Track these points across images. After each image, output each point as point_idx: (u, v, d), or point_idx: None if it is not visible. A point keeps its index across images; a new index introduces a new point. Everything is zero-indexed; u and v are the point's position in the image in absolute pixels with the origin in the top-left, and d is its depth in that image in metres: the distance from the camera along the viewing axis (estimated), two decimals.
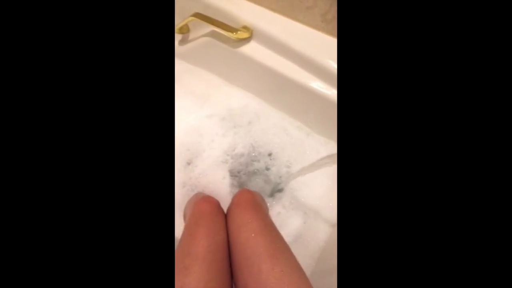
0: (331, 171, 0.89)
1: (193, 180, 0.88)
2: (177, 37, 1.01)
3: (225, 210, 0.54)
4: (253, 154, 0.92)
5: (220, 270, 0.41)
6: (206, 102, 1.00)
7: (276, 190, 0.87)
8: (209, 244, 0.43)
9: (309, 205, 0.85)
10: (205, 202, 0.51)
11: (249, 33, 0.83)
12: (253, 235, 0.43)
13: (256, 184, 0.87)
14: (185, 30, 0.97)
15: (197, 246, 0.42)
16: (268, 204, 0.82)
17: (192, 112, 0.98)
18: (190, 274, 0.38)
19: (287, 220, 0.81)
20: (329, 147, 0.90)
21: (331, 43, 0.74)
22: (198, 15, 0.83)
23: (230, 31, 0.80)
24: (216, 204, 0.52)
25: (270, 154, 0.91)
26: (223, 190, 0.86)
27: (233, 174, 0.89)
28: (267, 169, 0.89)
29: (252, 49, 0.84)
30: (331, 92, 0.77)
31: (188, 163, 0.91)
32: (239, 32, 0.80)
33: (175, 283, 0.38)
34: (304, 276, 0.40)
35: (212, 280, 0.39)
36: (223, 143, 0.93)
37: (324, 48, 0.75)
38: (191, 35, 0.99)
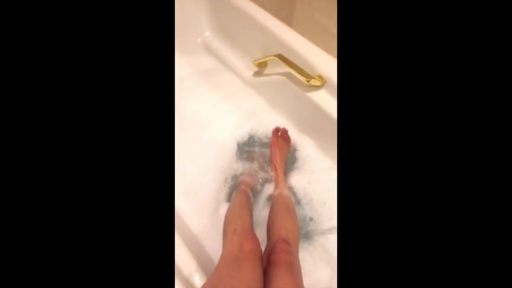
0: None
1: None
2: (254, 68, 1.09)
3: None
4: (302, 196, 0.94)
5: None
6: (256, 120, 1.07)
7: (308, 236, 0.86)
8: (254, 276, 0.49)
9: None
10: (254, 243, 0.56)
11: (322, 82, 0.87)
12: None
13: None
14: (263, 65, 1.05)
15: (244, 275, 0.48)
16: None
17: (239, 126, 1.06)
18: None
19: (314, 271, 0.79)
20: None
21: None
22: (280, 56, 0.90)
23: (305, 77, 0.85)
24: (260, 247, 0.57)
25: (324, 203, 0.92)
26: None
27: None
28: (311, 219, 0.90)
29: (321, 97, 0.88)
30: None
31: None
32: (313, 79, 0.85)
33: None
34: None
35: None
36: None
37: None
38: (267, 71, 1.06)
